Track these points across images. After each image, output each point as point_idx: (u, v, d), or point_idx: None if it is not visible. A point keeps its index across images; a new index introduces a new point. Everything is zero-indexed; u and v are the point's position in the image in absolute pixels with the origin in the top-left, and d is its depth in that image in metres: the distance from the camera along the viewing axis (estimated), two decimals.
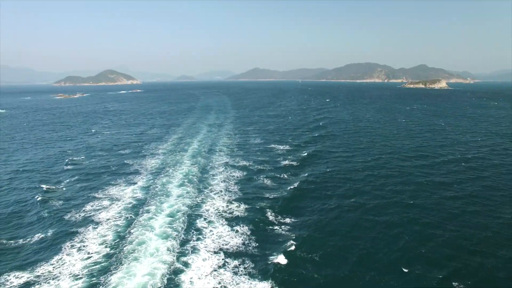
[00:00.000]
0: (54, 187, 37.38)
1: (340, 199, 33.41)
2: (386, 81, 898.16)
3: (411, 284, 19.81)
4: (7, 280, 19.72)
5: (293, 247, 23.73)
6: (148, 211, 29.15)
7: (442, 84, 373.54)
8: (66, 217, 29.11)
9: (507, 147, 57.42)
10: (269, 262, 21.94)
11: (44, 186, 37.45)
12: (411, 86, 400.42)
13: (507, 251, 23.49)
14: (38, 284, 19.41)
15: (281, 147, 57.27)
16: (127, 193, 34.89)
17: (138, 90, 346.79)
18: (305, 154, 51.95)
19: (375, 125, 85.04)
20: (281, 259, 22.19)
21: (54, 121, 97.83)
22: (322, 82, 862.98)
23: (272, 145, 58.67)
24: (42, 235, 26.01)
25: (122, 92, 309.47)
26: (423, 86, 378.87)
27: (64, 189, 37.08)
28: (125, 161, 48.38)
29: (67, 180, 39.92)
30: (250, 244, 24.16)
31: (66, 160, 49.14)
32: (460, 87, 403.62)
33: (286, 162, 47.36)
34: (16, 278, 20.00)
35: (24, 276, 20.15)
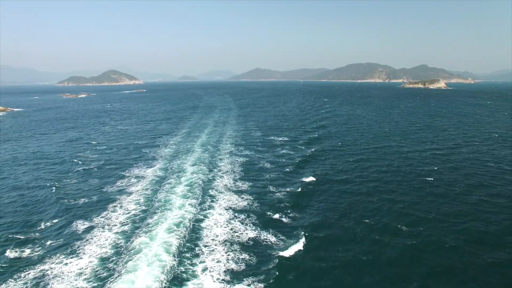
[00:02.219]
0: (87, 168, 44.35)
1: (330, 181, 40.29)
2: (387, 81, 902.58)
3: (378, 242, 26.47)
4: (77, 226, 26.89)
5: (288, 206, 30.63)
6: (169, 183, 36.15)
7: (441, 84, 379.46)
8: (104, 189, 36.05)
9: (484, 141, 64.13)
10: (268, 216, 28.84)
11: (79, 168, 44.51)
12: (410, 86, 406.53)
13: (457, 219, 29.51)
14: (97, 228, 26.40)
15: (280, 139, 64.06)
16: (149, 172, 41.77)
17: (142, 90, 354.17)
18: (302, 145, 58.85)
19: (369, 122, 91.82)
20: (277, 215, 29.10)
21: (69, 117, 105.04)
22: (323, 82, 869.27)
23: (271, 137, 65.54)
24: (88, 200, 32.97)
25: (126, 92, 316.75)
26: (422, 86, 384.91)
27: (95, 169, 44.11)
28: (143, 150, 55.28)
29: (96, 164, 46.91)
30: (253, 205, 31.04)
31: (91, 149, 56.24)
32: (459, 87, 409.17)
33: (284, 151, 54.14)
34: (82, 224, 27.09)
35: (86, 224, 27.17)
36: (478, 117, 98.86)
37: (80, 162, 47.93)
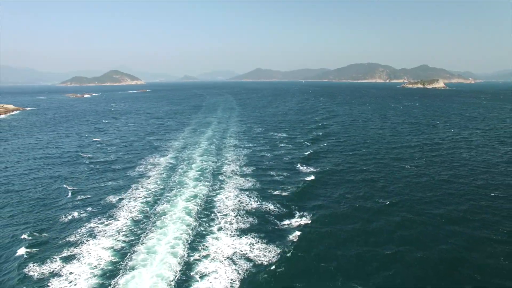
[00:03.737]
0: (108, 159, 49.71)
1: (323, 168, 45.58)
2: (387, 81, 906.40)
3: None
4: (110, 199, 32.39)
5: (285, 186, 35.94)
6: (182, 169, 41.55)
7: (440, 84, 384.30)
8: (127, 174, 41.40)
9: (466, 137, 69.32)
10: (268, 193, 34.19)
11: (101, 159, 49.90)
12: (410, 86, 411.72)
13: (429, 199, 34.89)
14: (126, 199, 31.86)
15: (279, 134, 69.38)
16: (163, 161, 47.11)
17: (146, 90, 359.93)
18: (300, 140, 64.20)
19: (364, 120, 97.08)
20: (277, 192, 34.40)
21: (81, 116, 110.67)
22: (324, 82, 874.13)
23: (272, 133, 70.88)
24: (115, 183, 38.25)
25: (130, 92, 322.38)
26: (421, 86, 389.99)
27: (115, 159, 49.50)
28: (154, 143, 60.63)
29: (115, 155, 52.29)
30: (256, 185, 36.40)
31: (108, 143, 61.73)
32: (458, 87, 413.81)
33: (283, 144, 59.44)
34: (114, 198, 32.55)
35: (118, 197, 32.64)
36: (468, 115, 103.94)
37: (100, 154, 53.36)
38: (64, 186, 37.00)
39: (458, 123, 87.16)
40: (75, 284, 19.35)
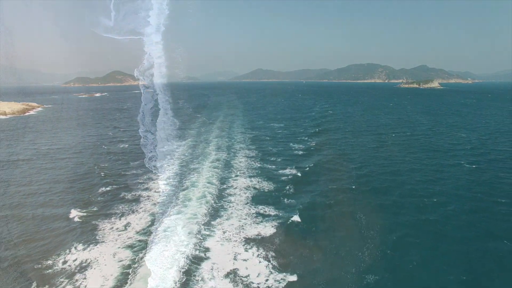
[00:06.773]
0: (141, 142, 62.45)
1: (311, 148, 58.42)
2: (386, 81, 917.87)
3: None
4: (146, 170, 44.89)
5: (279, 156, 48.68)
6: (202, 146, 54.52)
7: (435, 84, 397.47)
8: (159, 150, 54.18)
9: (433, 128, 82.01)
10: (267, 158, 47.05)
11: (135, 142, 62.72)
12: (406, 86, 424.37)
13: (390, 169, 47.69)
14: (166, 164, 44.53)
15: (277, 125, 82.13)
16: (183, 143, 59.81)
17: (150, 90, 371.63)
18: (294, 128, 76.99)
19: (353, 115, 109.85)
20: (273, 159, 47.14)
21: (100, 112, 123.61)
22: (324, 82, 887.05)
23: (271, 124, 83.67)
24: (153, 154, 51.04)
25: (136, 92, 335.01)
26: (417, 86, 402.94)
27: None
28: (174, 132, 73.32)
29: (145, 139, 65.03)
30: (259, 154, 49.50)
31: (136, 131, 74.71)
32: (453, 87, 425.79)
33: (280, 131, 72.29)
34: (155, 163, 45.18)
35: (149, 172, 45.25)
36: (448, 111, 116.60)
37: (132, 138, 66.27)
38: (118, 158, 49.98)
39: (435, 118, 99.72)
40: (153, 199, 32.21)
